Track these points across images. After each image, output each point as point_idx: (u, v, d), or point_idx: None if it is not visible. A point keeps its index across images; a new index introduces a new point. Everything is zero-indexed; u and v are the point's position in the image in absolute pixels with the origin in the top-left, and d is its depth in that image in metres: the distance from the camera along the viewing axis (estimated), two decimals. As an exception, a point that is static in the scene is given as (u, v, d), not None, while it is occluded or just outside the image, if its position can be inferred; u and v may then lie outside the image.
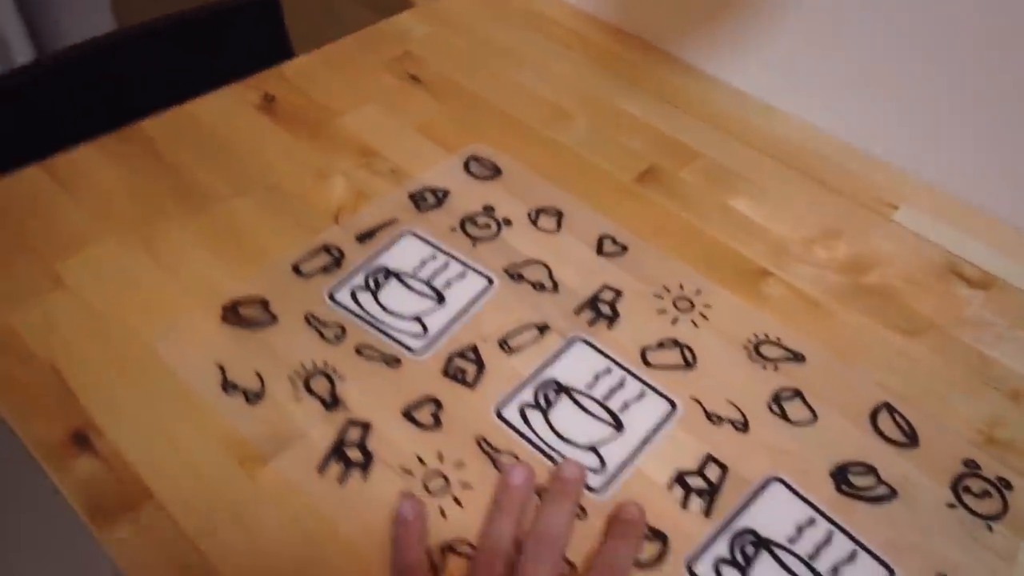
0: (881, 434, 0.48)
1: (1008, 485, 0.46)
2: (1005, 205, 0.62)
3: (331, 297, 0.52)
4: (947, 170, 0.64)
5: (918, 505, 0.45)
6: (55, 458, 0.43)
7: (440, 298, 0.53)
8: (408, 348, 0.50)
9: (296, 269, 0.54)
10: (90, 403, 0.45)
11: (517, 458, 0.45)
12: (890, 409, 0.49)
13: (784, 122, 0.71)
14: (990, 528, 0.44)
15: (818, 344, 0.52)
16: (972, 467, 0.47)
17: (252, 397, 0.46)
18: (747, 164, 0.66)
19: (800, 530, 0.43)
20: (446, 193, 0.60)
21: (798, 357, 0.52)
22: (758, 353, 0.52)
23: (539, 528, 0.40)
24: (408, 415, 0.47)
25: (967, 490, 0.46)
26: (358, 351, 0.49)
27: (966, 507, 0.45)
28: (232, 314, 0.51)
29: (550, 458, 0.45)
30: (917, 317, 0.55)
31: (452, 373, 0.49)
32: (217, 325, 0.50)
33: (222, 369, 0.47)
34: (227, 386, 0.47)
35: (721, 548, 0.42)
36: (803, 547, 0.43)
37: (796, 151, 0.68)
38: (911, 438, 0.48)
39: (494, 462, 0.45)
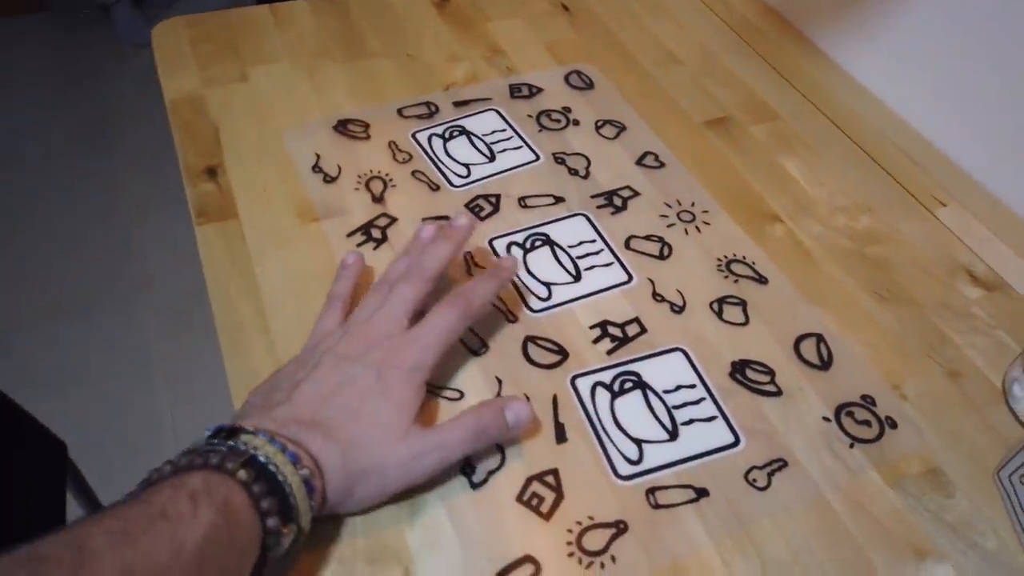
0: (799, 354, 0.54)
1: (894, 424, 0.50)
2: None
3: (413, 135, 0.68)
4: (1015, 188, 0.65)
5: (795, 408, 0.51)
6: (192, 177, 0.62)
7: (492, 158, 0.66)
8: (449, 182, 0.64)
9: (400, 111, 0.70)
10: (227, 153, 0.64)
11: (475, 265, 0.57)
12: (820, 340, 0.55)
13: (871, 106, 0.74)
14: (851, 446, 0.49)
15: (788, 279, 0.59)
16: (868, 401, 0.51)
17: (328, 179, 0.63)
18: (817, 134, 0.71)
19: (679, 388, 0.51)
20: (540, 91, 0.73)
21: (761, 280, 0.58)
22: (728, 267, 0.59)
23: (417, 258, 0.49)
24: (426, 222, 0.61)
25: (850, 415, 0.51)
26: (413, 174, 0.64)
27: (839, 424, 0.50)
28: (342, 126, 0.68)
29: (515, 286, 0.57)
30: (900, 291, 0.59)
31: (472, 207, 0.62)
32: (329, 131, 0.67)
33: (317, 156, 0.65)
34: (316, 168, 0.64)
35: (605, 376, 0.52)
36: (672, 399, 0.51)
37: (871, 134, 0.71)
38: (824, 365, 0.53)
39: (468, 271, 0.58)
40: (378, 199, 0.62)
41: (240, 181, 0.62)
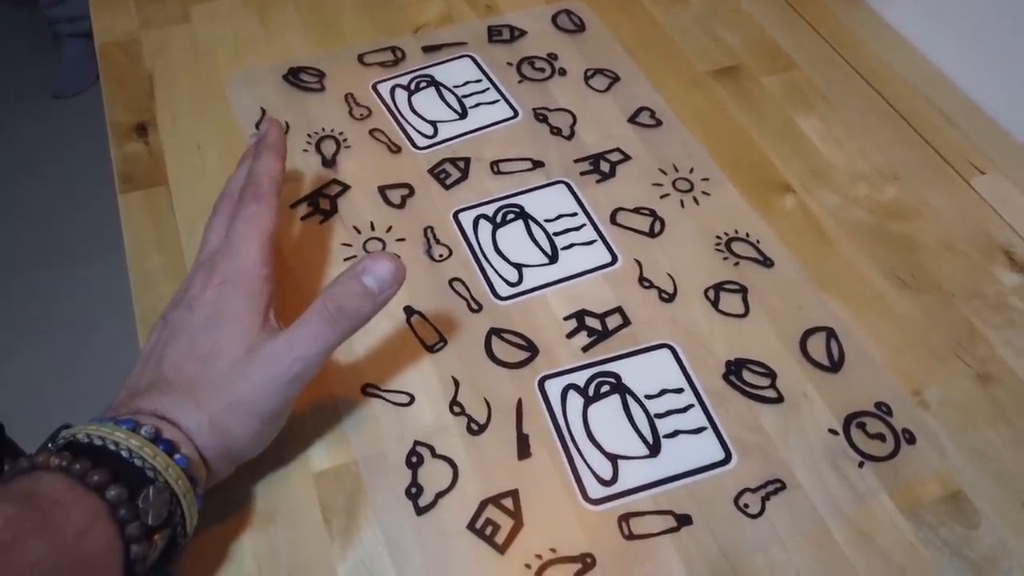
0: (805, 352, 0.47)
1: (911, 438, 0.43)
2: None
3: (374, 86, 0.59)
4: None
5: (798, 420, 0.44)
6: (119, 136, 0.55)
7: (463, 114, 0.58)
8: (413, 143, 0.56)
9: (360, 57, 0.61)
10: (160, 107, 0.57)
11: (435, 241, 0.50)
12: (830, 335, 0.47)
13: (908, 58, 0.65)
14: (861, 464, 0.42)
15: (797, 262, 0.51)
16: (883, 410, 0.44)
17: (274, 139, 0.55)
18: (840, 88, 0.62)
19: (663, 392, 0.45)
20: (522, 33, 0.64)
21: (766, 262, 0.51)
22: (727, 246, 0.51)
23: (249, 178, 0.42)
24: (382, 191, 0.53)
25: (861, 426, 0.44)
26: (371, 133, 0.56)
27: (848, 438, 0.43)
28: (293, 75, 0.59)
29: (481, 268, 0.50)
30: (927, 277, 0.51)
31: (437, 173, 0.54)
32: (279, 81, 0.59)
33: (263, 110, 0.57)
34: (259, 124, 0.56)
35: (579, 378, 0.45)
36: (655, 406, 0.44)
37: (901, 88, 0.62)
38: (834, 366, 0.46)
39: (428, 249, 0.50)
40: (329, 163, 0.54)
41: (173, 141, 0.55)
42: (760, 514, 0.40)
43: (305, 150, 0.55)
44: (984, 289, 0.50)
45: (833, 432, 0.43)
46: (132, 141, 0.55)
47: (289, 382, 0.36)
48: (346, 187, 0.53)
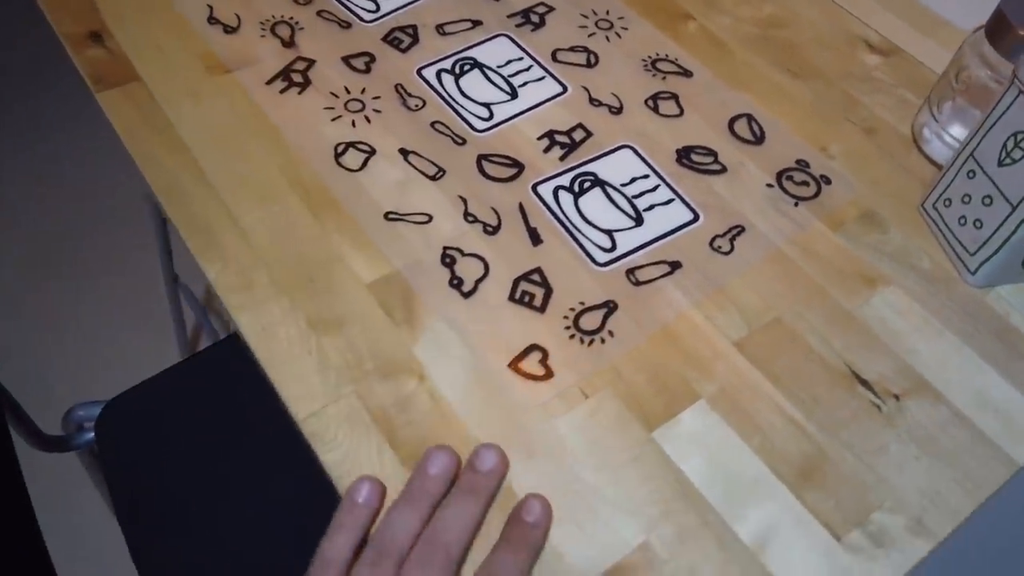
0: (734, 133, 0.57)
1: (828, 181, 0.54)
2: None
3: (308, -25, 0.63)
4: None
5: (740, 181, 0.54)
6: (75, 44, 0.56)
7: (398, -10, 0.63)
8: (361, 19, 0.61)
9: (286, -47, 0.65)
10: (107, 16, 0.58)
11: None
12: (750, 119, 0.58)
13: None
14: (795, 204, 0.53)
15: (710, 70, 0.61)
16: (802, 165, 0.55)
17: (229, 30, 0.58)
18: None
19: (633, 180, 0.53)
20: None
21: (687, 73, 0.60)
22: (654, 66, 0.60)
23: (434, 527, 0.36)
24: (346, 60, 0.58)
25: (789, 178, 0.54)
26: (319, 14, 0.61)
27: (782, 188, 0.54)
28: (227, -25, 0.62)
29: (454, 110, 0.56)
30: (809, 65, 0.62)
31: (390, 40, 0.60)
32: (214, -18, 0.62)
33: (210, 7, 0.60)
34: (211, 19, 0.59)
35: (564, 180, 0.53)
36: (630, 190, 0.53)
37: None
38: (758, 140, 0.56)
39: (404, 102, 0.56)
40: (289, 43, 0.58)
41: (131, 44, 0.57)
42: (731, 251, 0.50)
43: (263, 36, 0.59)
44: (853, 70, 0.62)
45: (769, 185, 0.54)
46: (90, 47, 0.56)
47: None
48: (312, 61, 0.57)
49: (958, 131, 0.53)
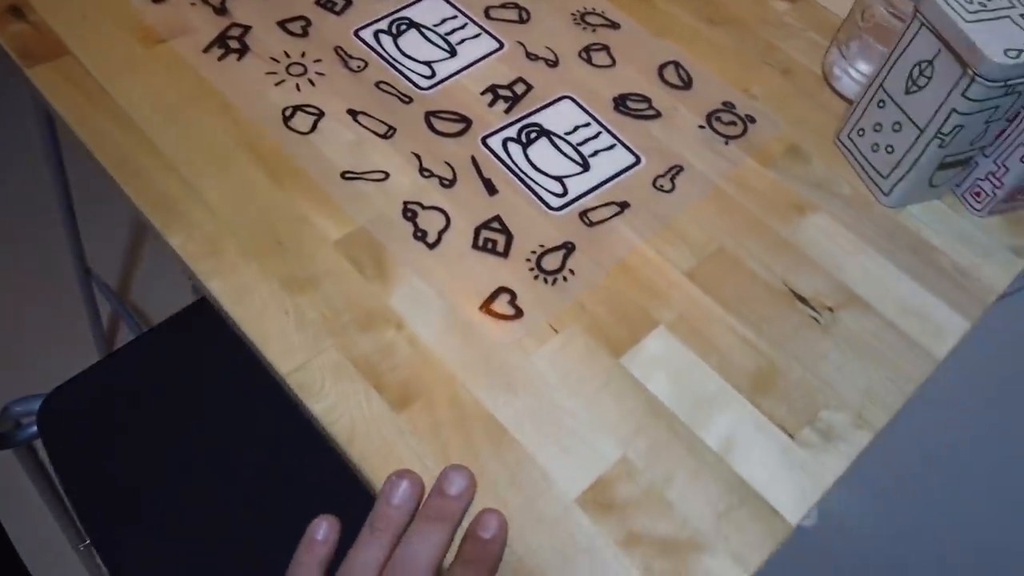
0: (664, 79, 0.60)
1: (753, 120, 0.58)
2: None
3: (232, -59, 0.62)
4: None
5: (675, 124, 0.57)
6: (-7, 19, 0.54)
7: (325, -47, 0.63)
8: (291, -17, 0.61)
9: (205, -81, 0.63)
10: (23, -13, 0.56)
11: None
12: (677, 66, 0.61)
13: None
14: (726, 143, 0.57)
15: (635, 22, 0.64)
16: (728, 106, 0.59)
17: (157, -1, 0.57)
18: None
19: (576, 128, 0.56)
20: None
21: (614, 25, 0.63)
22: (583, 19, 0.63)
23: (402, 555, 0.35)
24: (282, 25, 0.58)
25: (718, 119, 0.58)
26: (249, -20, 0.60)
27: (713, 128, 0.57)
28: (146, -57, 0.61)
29: (397, 69, 0.57)
30: (726, 13, 0.66)
31: (324, 3, 0.60)
32: (133, -50, 0.60)
33: (134, -22, 0.58)
34: None
35: (511, 132, 0.55)
36: (575, 138, 0.55)
37: None
38: (686, 85, 0.60)
39: (345, 64, 0.57)
40: (221, 10, 0.58)
41: (57, 17, 0.55)
42: (672, 189, 0.54)
43: (193, 4, 0.58)
44: (768, 16, 0.66)
45: (701, 127, 0.57)
46: (11, 23, 0.54)
47: None
48: (247, 27, 0.57)
49: (864, 67, 0.58)
